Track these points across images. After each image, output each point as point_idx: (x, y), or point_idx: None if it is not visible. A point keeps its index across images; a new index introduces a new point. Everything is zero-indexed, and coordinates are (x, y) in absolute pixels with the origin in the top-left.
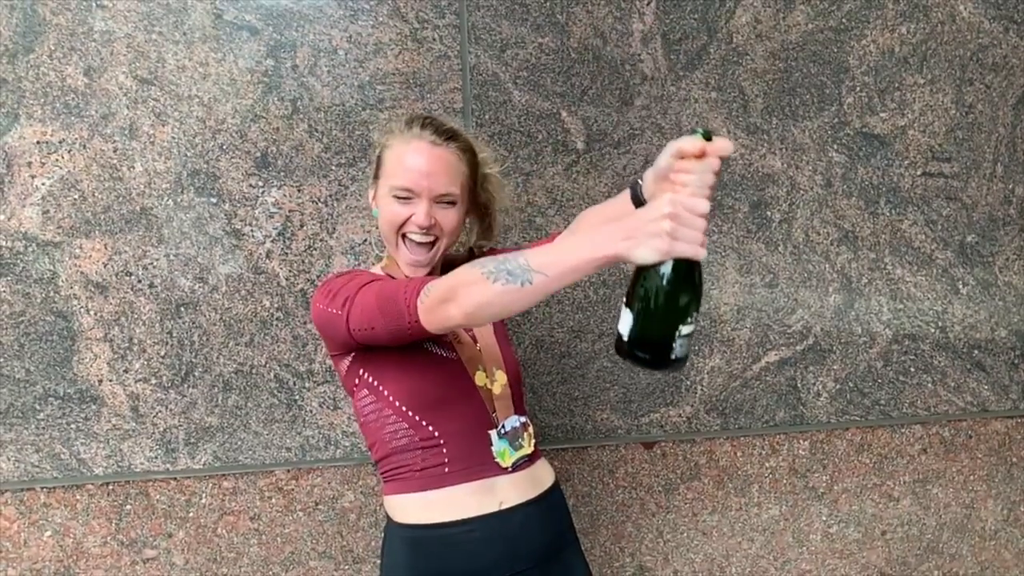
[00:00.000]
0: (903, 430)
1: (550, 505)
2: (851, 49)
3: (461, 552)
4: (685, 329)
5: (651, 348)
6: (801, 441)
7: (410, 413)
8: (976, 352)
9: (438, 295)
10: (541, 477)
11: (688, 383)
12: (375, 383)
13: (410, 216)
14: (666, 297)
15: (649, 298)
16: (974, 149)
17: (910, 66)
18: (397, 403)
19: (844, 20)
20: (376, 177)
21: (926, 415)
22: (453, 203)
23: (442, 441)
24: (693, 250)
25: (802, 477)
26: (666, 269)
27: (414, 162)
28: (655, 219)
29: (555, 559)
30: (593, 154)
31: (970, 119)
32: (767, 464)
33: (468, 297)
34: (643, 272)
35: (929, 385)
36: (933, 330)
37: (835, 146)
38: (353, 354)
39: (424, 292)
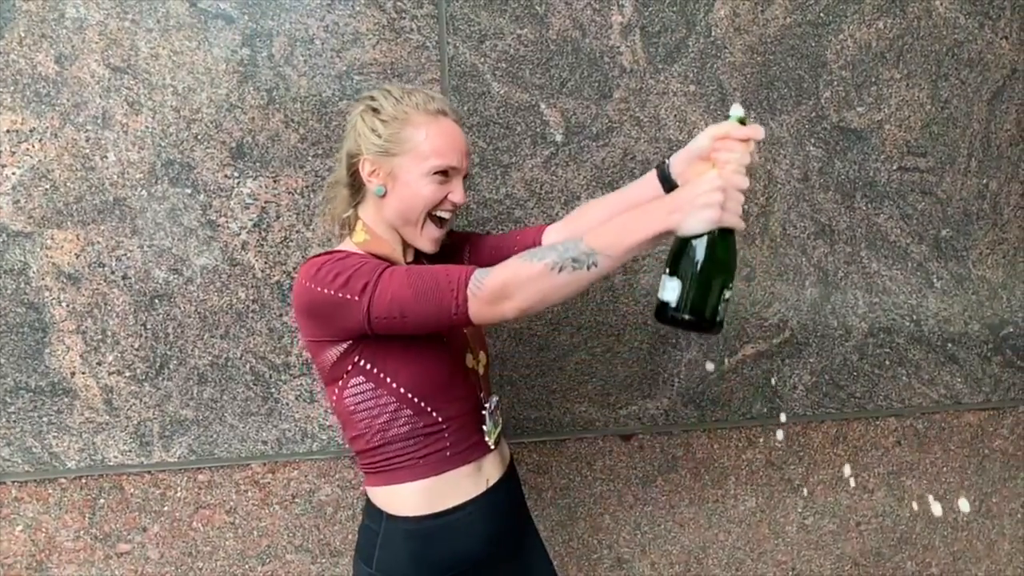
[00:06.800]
0: (878, 422)
1: (515, 478)
2: (828, 43)
3: (462, 535)
4: (727, 293)
5: (700, 312)
6: (777, 433)
7: (415, 399)
8: (950, 345)
9: (493, 291)
10: (505, 451)
11: (665, 376)
12: (374, 370)
13: (447, 195)
14: (714, 264)
15: (697, 266)
16: (949, 144)
17: (887, 61)
18: (402, 389)
19: (822, 14)
20: (387, 154)
21: (900, 408)
22: (466, 178)
23: (444, 426)
24: (736, 220)
25: (778, 469)
26: (713, 239)
27: (455, 142)
28: (706, 192)
29: (525, 532)
30: (572, 146)
31: (945, 114)
32: (744, 456)
33: (528, 291)
34: (687, 243)
35: (903, 378)
36: (908, 323)
37: (812, 140)
38: (351, 341)
39: (475, 284)
